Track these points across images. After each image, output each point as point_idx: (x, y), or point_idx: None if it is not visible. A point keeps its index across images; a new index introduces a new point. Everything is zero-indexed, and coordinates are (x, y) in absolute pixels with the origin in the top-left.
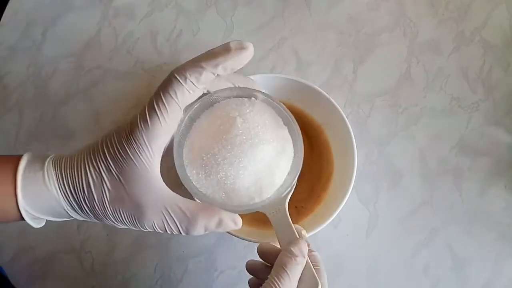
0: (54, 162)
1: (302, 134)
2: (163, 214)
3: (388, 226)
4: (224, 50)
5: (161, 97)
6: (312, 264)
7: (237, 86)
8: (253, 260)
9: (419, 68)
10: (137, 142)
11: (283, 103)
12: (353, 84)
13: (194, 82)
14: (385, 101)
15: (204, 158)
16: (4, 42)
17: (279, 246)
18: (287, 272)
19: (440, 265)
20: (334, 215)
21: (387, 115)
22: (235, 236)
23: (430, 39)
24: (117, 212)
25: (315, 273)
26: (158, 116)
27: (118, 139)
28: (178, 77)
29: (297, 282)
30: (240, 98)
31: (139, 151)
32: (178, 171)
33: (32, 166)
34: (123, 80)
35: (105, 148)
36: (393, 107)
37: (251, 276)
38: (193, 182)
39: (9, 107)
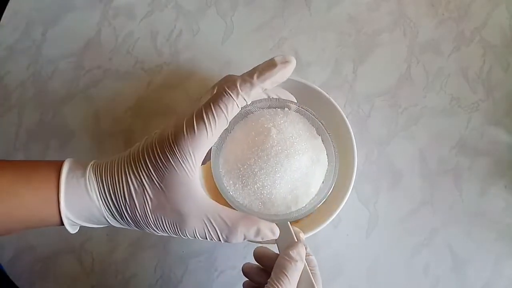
0: (95, 169)
1: None
2: (205, 222)
3: (388, 226)
4: (270, 65)
5: (211, 108)
6: (311, 268)
7: (270, 97)
8: (249, 263)
9: (419, 68)
10: (181, 150)
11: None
12: (353, 84)
13: (245, 97)
14: (385, 101)
15: (241, 168)
16: (4, 42)
17: (275, 248)
18: (287, 276)
19: (440, 265)
20: (334, 215)
21: (387, 115)
22: None
23: (430, 39)
24: (158, 220)
25: (312, 277)
26: (206, 127)
27: (161, 147)
28: (230, 92)
29: (296, 285)
30: (274, 109)
31: (182, 159)
32: (216, 181)
33: (74, 173)
34: (123, 80)
35: (146, 156)
36: (393, 107)
37: (246, 279)
38: (231, 192)
39: (9, 107)
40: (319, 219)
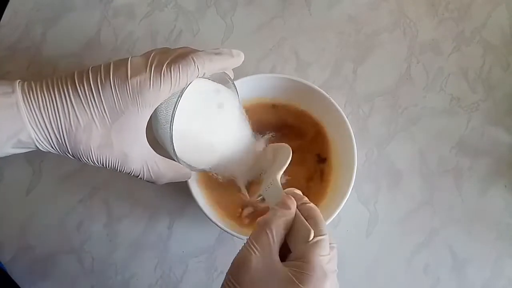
0: (27, 91)
1: (302, 133)
2: (143, 166)
3: (388, 226)
4: (228, 53)
5: (178, 68)
6: (311, 215)
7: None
8: None
9: (419, 68)
10: (143, 101)
11: (283, 103)
12: (353, 84)
13: (202, 68)
14: (385, 101)
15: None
16: (4, 42)
17: None
18: (266, 232)
19: (440, 265)
20: (334, 215)
21: (387, 115)
22: (235, 236)
23: (430, 39)
24: (102, 157)
25: (306, 223)
26: (170, 85)
27: (121, 92)
28: (195, 59)
29: (279, 239)
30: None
31: (140, 108)
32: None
33: (2, 87)
34: None
35: (101, 95)
36: (393, 107)
37: (229, 269)
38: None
39: None
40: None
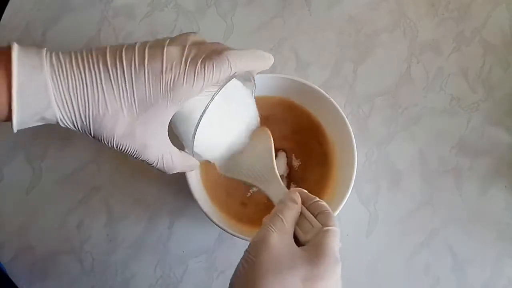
0: (57, 68)
1: (302, 133)
2: (158, 158)
3: (388, 226)
4: (260, 56)
5: (213, 67)
6: (322, 210)
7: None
8: None
9: (419, 68)
10: (175, 97)
11: (283, 103)
12: (353, 84)
13: (237, 70)
14: (385, 101)
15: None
16: (4, 42)
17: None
18: (279, 216)
19: (440, 265)
20: (334, 215)
21: (387, 115)
22: (236, 236)
23: (430, 39)
24: (122, 144)
25: (313, 218)
26: (203, 83)
27: (154, 84)
28: (230, 59)
29: (292, 225)
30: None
31: (170, 103)
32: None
33: (29, 62)
34: None
35: (133, 85)
36: (393, 107)
37: (247, 248)
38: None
39: None
40: None
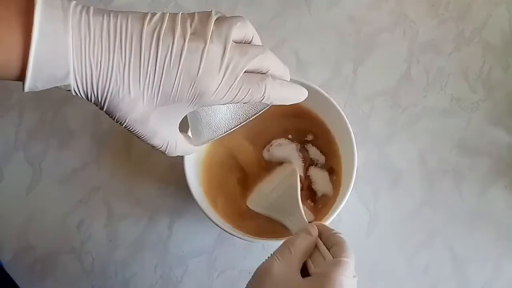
0: (85, 34)
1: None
2: (164, 143)
3: (388, 226)
4: (298, 92)
5: (248, 91)
6: (337, 242)
7: None
8: None
9: (419, 68)
10: (199, 101)
11: None
12: (353, 84)
13: (267, 101)
14: (385, 101)
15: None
16: None
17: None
18: (288, 247)
19: (440, 265)
20: (334, 215)
21: (387, 115)
22: (235, 236)
23: (430, 39)
24: (133, 128)
25: (326, 251)
26: (233, 99)
27: (183, 85)
28: (267, 91)
29: (300, 256)
30: None
31: (192, 105)
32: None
33: (53, 21)
34: None
35: (163, 79)
36: (393, 107)
37: (251, 277)
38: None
39: (9, 107)
40: (319, 220)
